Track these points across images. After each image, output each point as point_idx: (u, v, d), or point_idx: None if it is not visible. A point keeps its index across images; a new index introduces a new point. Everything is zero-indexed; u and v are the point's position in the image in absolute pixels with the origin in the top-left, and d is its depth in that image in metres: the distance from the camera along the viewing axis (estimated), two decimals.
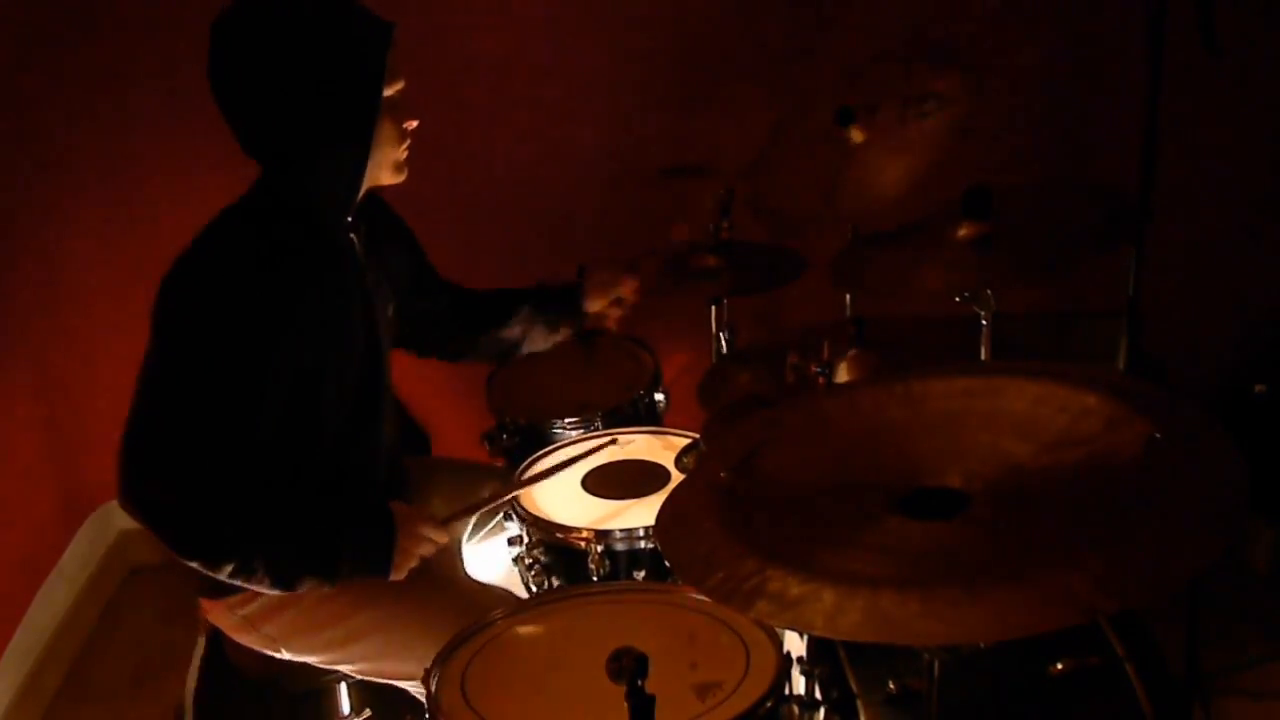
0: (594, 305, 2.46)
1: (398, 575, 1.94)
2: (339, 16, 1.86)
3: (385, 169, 1.97)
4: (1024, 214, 2.07)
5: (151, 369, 1.82)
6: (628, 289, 2.47)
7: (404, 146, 1.97)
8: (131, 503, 1.79)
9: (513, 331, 2.42)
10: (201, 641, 2.19)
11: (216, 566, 1.82)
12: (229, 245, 1.87)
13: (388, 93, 1.89)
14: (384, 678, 2.05)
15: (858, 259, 2.23)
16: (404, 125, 1.95)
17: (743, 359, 2.64)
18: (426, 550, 1.98)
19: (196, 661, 2.17)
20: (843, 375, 2.05)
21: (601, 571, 2.03)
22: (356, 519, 1.94)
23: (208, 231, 1.90)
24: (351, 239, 2.00)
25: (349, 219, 1.99)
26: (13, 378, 3.12)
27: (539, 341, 2.45)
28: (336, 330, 1.91)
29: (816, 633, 1.36)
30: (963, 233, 2.00)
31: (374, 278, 2.05)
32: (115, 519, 3.47)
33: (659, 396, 2.60)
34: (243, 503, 1.81)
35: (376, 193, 2.07)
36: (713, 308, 2.73)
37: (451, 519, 2.09)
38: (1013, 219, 2.02)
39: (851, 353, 2.14)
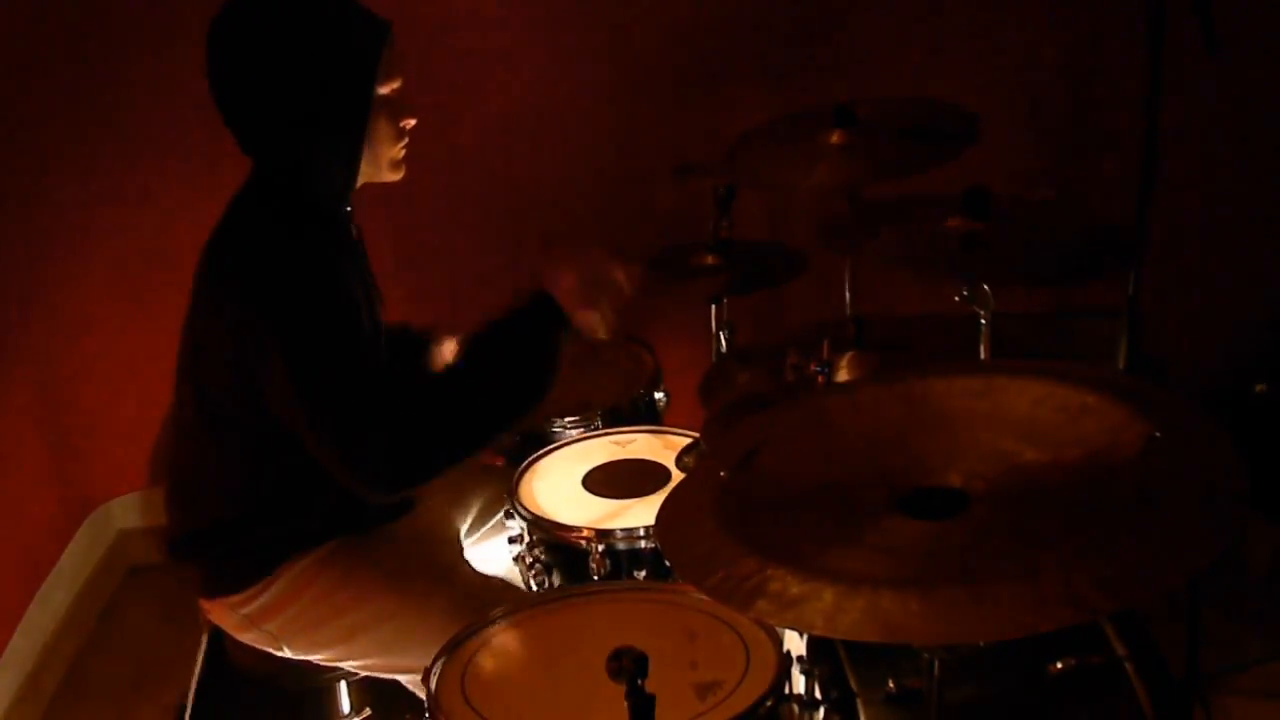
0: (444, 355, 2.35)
1: (586, 313, 1.90)
2: (334, 14, 1.87)
3: (382, 166, 1.98)
4: (1023, 214, 2.07)
5: (295, 375, 1.81)
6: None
7: (401, 145, 1.98)
8: (378, 477, 1.82)
9: None
10: (204, 642, 2.19)
11: (459, 450, 1.86)
12: (273, 235, 1.89)
13: (384, 90, 1.90)
14: (386, 672, 2.06)
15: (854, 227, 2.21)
16: (401, 124, 1.96)
17: (743, 358, 2.64)
18: (606, 289, 1.91)
19: (200, 662, 2.17)
20: (843, 375, 2.05)
21: (602, 571, 2.03)
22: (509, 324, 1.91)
23: (240, 234, 1.92)
24: (353, 229, 2.03)
25: (348, 209, 2.01)
26: (13, 377, 3.12)
27: None
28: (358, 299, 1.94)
29: (816, 633, 1.36)
30: (962, 231, 2.00)
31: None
32: (115, 519, 3.47)
33: (659, 396, 2.60)
34: (431, 391, 1.86)
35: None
36: (713, 307, 2.73)
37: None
38: (1013, 219, 2.02)
39: (851, 353, 2.14)
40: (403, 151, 1.99)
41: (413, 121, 1.98)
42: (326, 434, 1.83)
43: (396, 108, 1.94)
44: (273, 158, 1.92)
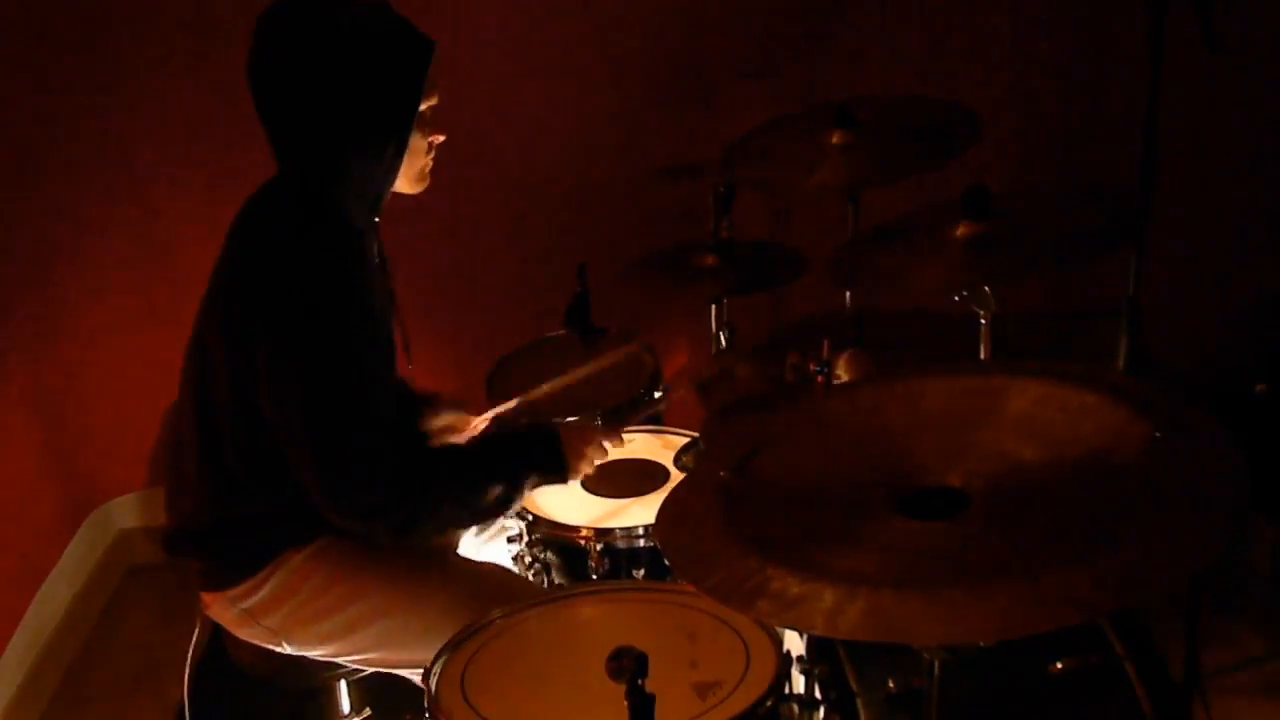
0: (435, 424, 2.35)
1: (576, 476, 2.07)
2: (385, 27, 1.90)
3: (409, 179, 2.00)
4: (1024, 214, 2.06)
5: (306, 395, 1.84)
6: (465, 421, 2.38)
7: (429, 159, 2.01)
8: (353, 513, 1.89)
9: None
10: (199, 638, 2.18)
11: (425, 527, 1.96)
12: (298, 249, 1.89)
13: (422, 106, 1.93)
14: (385, 667, 2.06)
15: (856, 256, 2.23)
16: (431, 139, 1.99)
17: (743, 358, 2.64)
18: (596, 450, 2.09)
19: (191, 659, 2.16)
20: (841, 375, 2.05)
21: (601, 570, 2.03)
22: (526, 440, 2.08)
23: (263, 242, 1.92)
24: (377, 244, 2.04)
25: (375, 219, 2.02)
26: (13, 377, 3.12)
27: None
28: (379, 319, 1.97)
29: (816, 633, 1.36)
30: (961, 232, 2.00)
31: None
32: (115, 519, 3.47)
33: (659, 396, 2.59)
34: (431, 459, 1.97)
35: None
36: (713, 307, 2.73)
37: (615, 420, 2.23)
38: (1012, 219, 2.02)
39: (848, 352, 2.14)
40: (429, 164, 2.02)
41: (442, 138, 2.01)
42: (324, 462, 1.85)
43: (429, 125, 1.97)
44: (309, 165, 1.93)
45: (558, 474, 2.05)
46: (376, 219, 2.02)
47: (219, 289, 1.96)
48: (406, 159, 1.95)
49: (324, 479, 1.86)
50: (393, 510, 1.89)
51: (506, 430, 2.24)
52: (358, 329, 1.87)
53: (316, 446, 1.85)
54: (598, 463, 2.09)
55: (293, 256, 1.88)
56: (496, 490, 1.98)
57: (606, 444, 2.11)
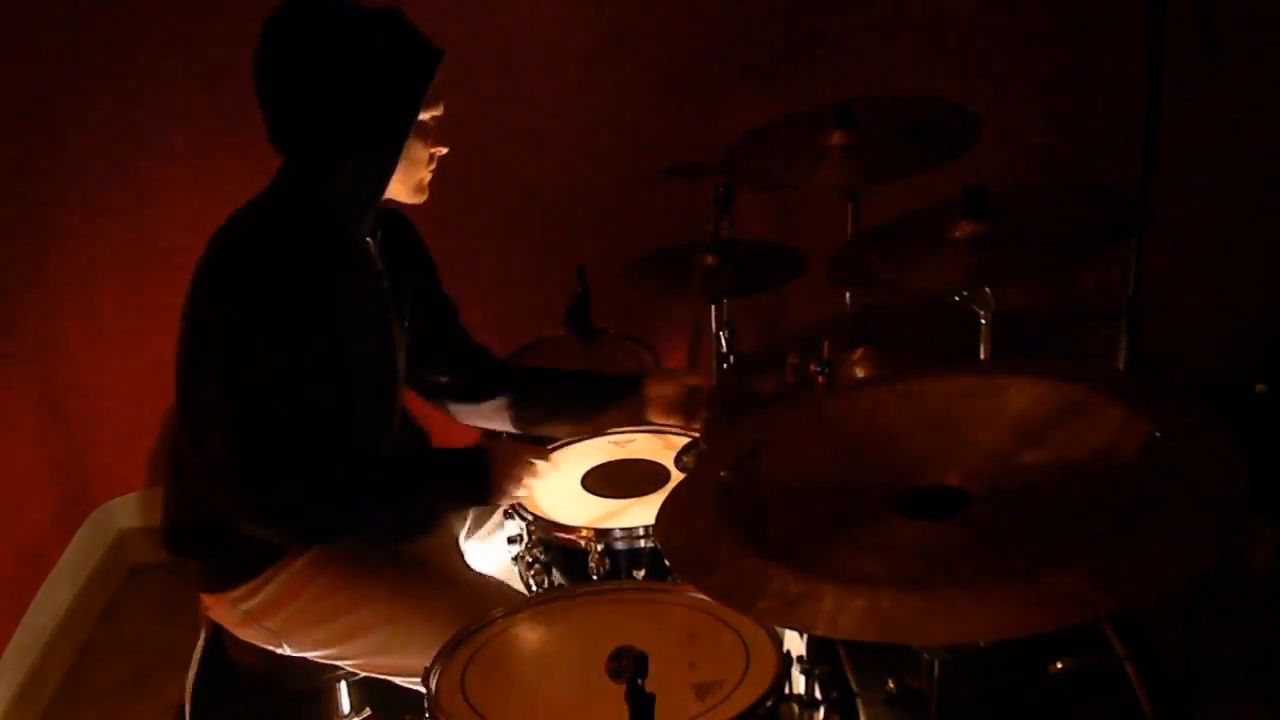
0: (657, 390, 2.34)
1: (503, 498, 2.04)
2: (391, 32, 1.90)
3: (406, 187, 2.00)
4: (1023, 214, 2.06)
5: (224, 386, 1.84)
6: (694, 378, 2.37)
7: (429, 170, 2.00)
8: (259, 516, 1.87)
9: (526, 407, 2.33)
10: (201, 639, 2.19)
11: (334, 537, 1.97)
12: (262, 246, 1.89)
13: (424, 116, 1.93)
14: (384, 673, 2.06)
15: (856, 257, 2.22)
16: (432, 151, 1.98)
17: (743, 358, 2.63)
18: (525, 468, 2.05)
19: (196, 659, 2.17)
20: (857, 371, 2.05)
21: (601, 571, 2.03)
22: (446, 459, 2.09)
23: (235, 234, 1.92)
24: (369, 243, 2.03)
25: (366, 224, 2.01)
26: (13, 377, 3.12)
27: (562, 425, 2.36)
28: (358, 325, 1.95)
29: (816, 633, 1.36)
30: (961, 232, 2.00)
31: (391, 285, 2.07)
32: (115, 519, 3.47)
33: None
34: (352, 471, 1.91)
35: (402, 213, 2.14)
36: (713, 307, 2.73)
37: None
38: (1012, 219, 2.02)
39: (860, 350, 2.14)
40: (429, 177, 2.01)
41: (444, 150, 2.00)
42: (235, 460, 1.84)
43: (432, 135, 1.97)
44: (305, 165, 1.93)
45: (481, 496, 2.03)
46: (367, 224, 2.01)
47: (191, 289, 1.95)
48: (404, 168, 1.95)
49: (233, 477, 1.85)
50: (299, 518, 1.88)
51: (434, 450, 2.23)
52: (301, 332, 1.85)
53: (229, 443, 1.84)
54: (530, 482, 2.06)
55: (253, 255, 1.89)
56: (415, 510, 2.02)
57: (536, 462, 2.08)
